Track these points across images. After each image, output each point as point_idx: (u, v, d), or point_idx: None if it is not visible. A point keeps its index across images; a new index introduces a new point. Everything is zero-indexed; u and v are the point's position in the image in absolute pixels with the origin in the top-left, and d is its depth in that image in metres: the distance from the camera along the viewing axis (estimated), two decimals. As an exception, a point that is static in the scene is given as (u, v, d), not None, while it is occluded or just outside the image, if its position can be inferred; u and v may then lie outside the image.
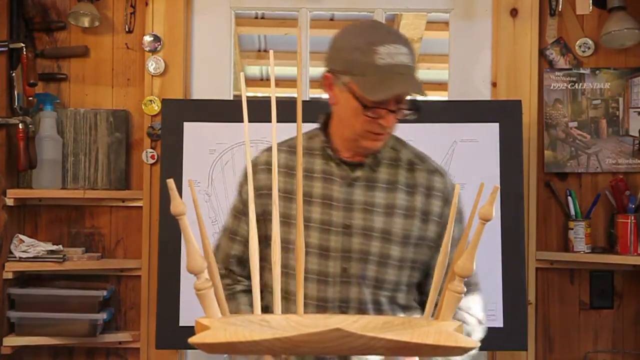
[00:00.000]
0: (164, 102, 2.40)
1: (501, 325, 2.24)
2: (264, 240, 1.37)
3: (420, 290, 1.54)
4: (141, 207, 2.45)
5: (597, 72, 2.49)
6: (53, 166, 2.41)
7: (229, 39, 2.58)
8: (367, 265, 1.46)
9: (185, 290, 2.27)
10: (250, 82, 5.25)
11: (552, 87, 2.49)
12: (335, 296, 1.46)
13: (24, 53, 2.32)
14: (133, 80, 2.52)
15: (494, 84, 2.52)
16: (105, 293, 2.38)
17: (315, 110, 2.32)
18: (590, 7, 2.36)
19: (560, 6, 2.49)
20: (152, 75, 2.48)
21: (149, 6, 2.48)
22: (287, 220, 1.47)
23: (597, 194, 2.45)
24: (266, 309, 1.50)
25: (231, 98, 2.57)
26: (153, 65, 2.47)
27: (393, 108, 1.40)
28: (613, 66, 2.49)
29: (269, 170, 1.52)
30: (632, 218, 2.34)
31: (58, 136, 2.44)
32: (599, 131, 2.48)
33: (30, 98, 2.38)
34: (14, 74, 2.38)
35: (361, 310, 1.45)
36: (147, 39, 2.47)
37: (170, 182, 0.88)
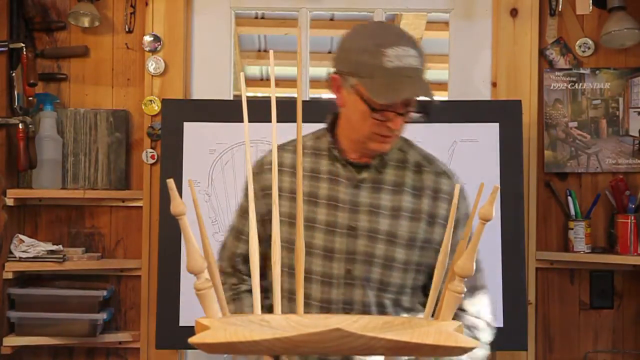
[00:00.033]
0: (164, 102, 2.40)
1: (501, 325, 2.23)
2: (270, 241, 1.36)
3: (425, 292, 1.54)
4: (141, 207, 2.45)
5: (597, 72, 2.49)
6: (53, 166, 2.41)
7: (229, 39, 2.58)
8: (372, 267, 1.45)
9: (185, 290, 2.27)
10: (250, 82, 5.25)
11: (552, 87, 2.49)
12: (339, 298, 1.45)
13: (24, 53, 2.32)
14: (133, 80, 2.52)
15: (494, 84, 2.52)
16: (105, 293, 2.38)
17: (315, 110, 2.32)
18: (590, 7, 2.36)
19: (560, 6, 2.49)
20: (152, 75, 2.48)
21: (149, 6, 2.48)
22: (293, 221, 1.47)
23: (597, 194, 2.45)
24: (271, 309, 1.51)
25: (231, 98, 2.57)
26: (153, 65, 2.47)
27: (401, 111, 1.39)
28: (613, 66, 2.49)
29: (277, 170, 1.51)
30: (632, 218, 2.34)
31: (58, 136, 2.44)
32: (599, 131, 2.48)
33: (30, 98, 2.38)
34: (14, 74, 2.38)
35: (365, 312, 1.45)
36: (147, 39, 2.47)
37: (170, 182, 0.88)
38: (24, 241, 2.36)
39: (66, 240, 2.48)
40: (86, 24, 2.47)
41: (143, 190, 2.46)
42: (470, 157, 2.32)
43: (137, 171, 2.50)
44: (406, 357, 1.32)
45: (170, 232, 2.26)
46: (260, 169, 1.55)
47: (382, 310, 1.47)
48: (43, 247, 2.35)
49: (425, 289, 1.53)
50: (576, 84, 2.49)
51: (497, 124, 2.34)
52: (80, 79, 2.52)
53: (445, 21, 2.90)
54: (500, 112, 2.35)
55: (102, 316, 2.36)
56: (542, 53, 2.50)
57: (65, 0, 2.51)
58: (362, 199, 1.47)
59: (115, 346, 2.46)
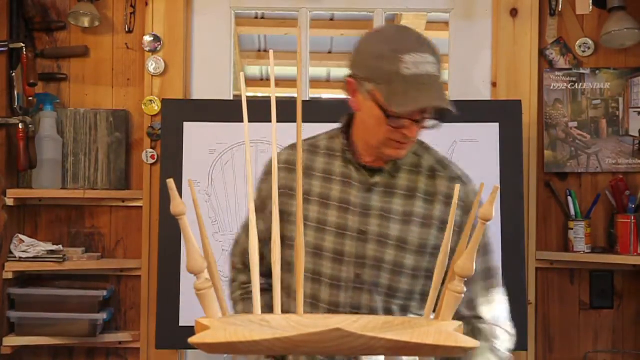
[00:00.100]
0: (164, 102, 2.40)
1: (501, 325, 2.23)
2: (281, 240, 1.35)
3: None
4: (141, 207, 2.45)
5: (597, 72, 2.49)
6: (53, 166, 2.41)
7: (229, 39, 2.58)
8: (380, 272, 1.43)
9: (185, 290, 2.28)
10: (250, 82, 5.25)
11: (552, 87, 2.49)
12: (347, 301, 1.44)
13: (24, 53, 2.32)
14: (133, 80, 2.52)
15: (494, 84, 2.52)
16: (105, 293, 2.38)
17: (315, 110, 2.33)
18: (590, 7, 2.36)
19: (560, 6, 2.49)
20: (152, 75, 2.48)
21: (149, 6, 2.48)
22: (304, 223, 1.46)
23: (597, 194, 2.45)
24: (287, 313, 1.50)
25: (231, 98, 2.57)
26: (153, 65, 2.47)
27: (417, 118, 1.36)
28: (613, 66, 2.49)
29: (288, 169, 1.50)
30: (632, 218, 2.35)
31: (58, 136, 2.44)
32: (599, 131, 2.48)
33: (30, 98, 2.38)
34: (14, 74, 2.38)
35: None
36: (147, 39, 2.47)
37: (170, 182, 0.88)
38: (24, 241, 2.36)
39: (66, 240, 2.48)
40: (86, 24, 2.47)
41: (143, 190, 2.46)
42: (470, 157, 2.32)
43: (137, 171, 2.50)
44: (406, 358, 1.32)
45: (170, 232, 2.26)
46: (272, 168, 1.53)
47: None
48: (43, 247, 2.35)
49: None
50: (576, 84, 2.49)
51: (497, 124, 2.34)
52: (80, 79, 2.52)
53: (445, 21, 2.90)
54: (500, 112, 2.36)
55: (102, 316, 2.36)
56: (542, 53, 2.50)
57: (65, 0, 2.51)
58: (373, 203, 1.45)
59: (115, 346, 2.46)
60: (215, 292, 0.92)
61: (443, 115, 1.39)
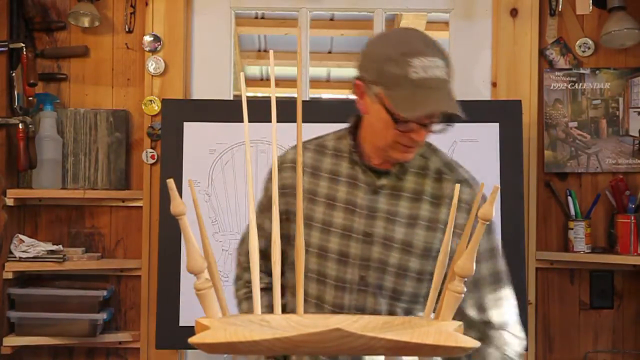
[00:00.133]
0: (164, 102, 2.40)
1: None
2: (285, 240, 1.35)
3: None
4: (141, 207, 2.46)
5: (597, 72, 2.49)
6: (53, 166, 2.41)
7: (229, 39, 2.59)
8: (385, 275, 1.43)
9: (185, 290, 2.28)
10: (250, 82, 5.26)
11: (552, 87, 2.49)
12: (352, 304, 1.44)
13: (24, 53, 2.32)
14: (133, 80, 2.52)
15: (494, 84, 2.52)
16: (105, 293, 2.38)
17: (315, 110, 2.33)
18: (590, 7, 2.36)
19: (560, 6, 2.49)
20: (152, 75, 2.48)
21: (149, 6, 2.48)
22: (308, 222, 1.46)
23: (597, 194, 2.45)
24: (286, 308, 1.50)
25: (231, 98, 2.57)
26: (153, 65, 2.47)
27: (425, 122, 1.36)
28: (613, 66, 2.49)
29: (294, 169, 1.50)
30: (632, 218, 2.35)
31: (58, 136, 2.44)
32: (599, 131, 2.48)
33: (30, 98, 2.38)
34: (14, 74, 2.38)
35: None
36: (147, 39, 2.47)
37: (170, 182, 0.88)
38: (24, 241, 2.36)
39: (66, 240, 2.48)
40: (86, 24, 2.47)
41: (143, 190, 2.46)
42: (470, 157, 2.31)
43: (137, 171, 2.50)
44: (406, 358, 1.32)
45: (170, 232, 2.26)
46: (280, 167, 1.52)
47: None
48: (43, 247, 2.35)
49: None
50: (576, 84, 2.49)
51: (497, 124, 2.34)
52: (80, 79, 2.52)
53: (445, 21, 2.90)
54: (500, 112, 2.36)
55: (102, 316, 2.36)
56: (542, 53, 2.50)
57: (65, 0, 2.51)
58: (379, 205, 1.44)
59: (115, 346, 2.46)
60: (215, 292, 0.92)
61: (451, 119, 1.37)
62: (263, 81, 5.31)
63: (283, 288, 1.53)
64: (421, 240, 1.43)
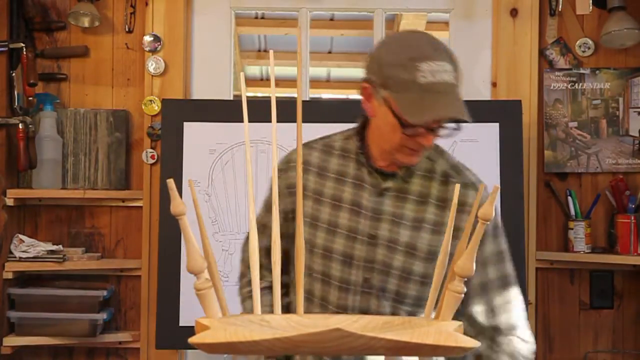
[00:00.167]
0: (164, 102, 2.40)
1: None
2: (292, 239, 1.34)
3: None
4: (141, 207, 2.45)
5: (597, 72, 2.49)
6: (53, 166, 2.41)
7: (229, 39, 2.59)
8: (389, 278, 1.42)
9: (185, 290, 2.28)
10: (250, 82, 5.26)
11: (552, 87, 2.49)
12: (355, 305, 1.44)
13: (24, 53, 2.32)
14: (133, 80, 2.52)
15: (494, 84, 2.52)
16: (105, 293, 2.38)
17: (315, 110, 2.33)
18: (590, 7, 2.36)
19: (560, 6, 2.49)
20: (152, 75, 2.48)
21: (149, 6, 2.48)
22: (314, 223, 1.45)
23: (597, 194, 2.45)
24: (290, 307, 1.50)
25: (231, 98, 2.57)
26: (153, 65, 2.47)
27: (433, 126, 1.35)
28: (613, 66, 2.49)
29: (303, 169, 1.49)
30: (632, 218, 2.35)
31: (58, 136, 2.44)
32: (599, 131, 2.48)
33: (30, 98, 2.38)
34: (14, 74, 2.38)
35: None
36: (147, 39, 2.47)
37: (170, 182, 0.88)
38: (24, 241, 2.36)
39: (66, 240, 2.48)
40: (86, 24, 2.47)
41: (143, 190, 2.46)
42: (470, 157, 2.31)
43: (137, 171, 2.50)
44: (406, 358, 1.32)
45: (170, 232, 2.26)
46: (287, 165, 1.52)
47: None
48: (43, 247, 2.35)
49: None
50: (576, 84, 2.49)
51: (497, 124, 2.34)
52: (80, 79, 2.52)
53: (445, 21, 2.90)
54: (500, 112, 2.35)
55: (102, 316, 2.36)
56: (542, 53, 2.50)
57: (65, 0, 2.51)
58: (385, 207, 1.43)
59: (115, 346, 2.46)
60: (215, 292, 0.92)
61: (459, 125, 1.36)
62: (263, 81, 5.31)
63: (288, 287, 1.53)
64: (426, 243, 1.42)
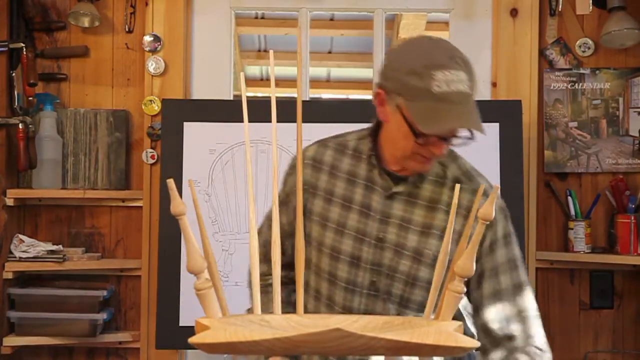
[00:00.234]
0: (164, 102, 2.40)
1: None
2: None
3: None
4: (141, 207, 2.45)
5: (597, 72, 2.49)
6: (53, 166, 2.41)
7: (229, 39, 2.59)
8: (394, 282, 1.42)
9: (185, 290, 2.28)
10: (250, 82, 5.26)
11: (552, 87, 2.49)
12: (361, 307, 1.43)
13: (24, 53, 2.32)
14: (133, 80, 2.52)
15: (494, 84, 2.52)
16: (105, 293, 2.38)
17: (315, 110, 2.33)
18: (590, 7, 2.36)
19: (560, 6, 2.49)
20: (152, 75, 2.48)
21: (149, 6, 2.48)
22: (324, 222, 1.45)
23: (597, 194, 2.45)
24: (304, 309, 1.49)
25: (231, 98, 2.57)
26: (153, 65, 2.47)
27: (445, 136, 1.34)
28: (613, 66, 2.49)
29: (314, 167, 1.49)
30: (632, 218, 2.34)
31: (58, 136, 2.44)
32: (599, 131, 2.48)
33: (30, 98, 2.38)
34: (14, 74, 2.38)
35: None
36: (147, 39, 2.47)
37: (170, 182, 0.88)
38: (24, 241, 2.36)
39: (66, 240, 2.48)
40: (86, 24, 2.47)
41: (143, 190, 2.46)
42: (470, 157, 2.31)
43: (137, 171, 2.50)
44: (406, 358, 1.32)
45: (170, 232, 2.26)
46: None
47: None
48: (43, 247, 2.35)
49: None
50: (576, 84, 2.49)
51: (497, 124, 2.34)
52: (80, 79, 2.52)
53: (445, 21, 2.90)
54: (500, 112, 2.35)
55: (102, 316, 2.36)
56: (542, 53, 2.50)
57: (65, 0, 2.51)
58: (394, 211, 1.43)
59: (115, 346, 2.46)
60: (215, 292, 0.92)
61: (472, 134, 1.34)
62: (263, 81, 5.31)
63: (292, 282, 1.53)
64: (433, 249, 1.40)
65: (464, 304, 1.53)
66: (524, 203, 2.35)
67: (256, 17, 4.07)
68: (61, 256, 2.33)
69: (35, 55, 2.43)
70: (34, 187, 2.41)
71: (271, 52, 1.07)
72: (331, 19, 4.08)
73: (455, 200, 1.00)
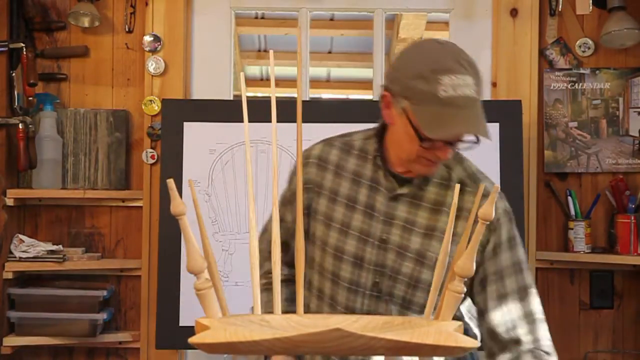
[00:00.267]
0: (164, 102, 2.40)
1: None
2: (305, 237, 1.34)
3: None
4: (141, 207, 2.46)
5: (597, 72, 2.49)
6: (53, 166, 2.41)
7: (229, 39, 2.59)
8: (396, 284, 1.42)
9: (185, 290, 2.28)
10: (250, 82, 5.26)
11: (552, 87, 2.49)
12: (364, 308, 1.43)
13: (24, 53, 2.32)
14: (133, 80, 2.52)
15: (494, 84, 2.52)
16: (105, 293, 2.38)
17: (315, 110, 2.33)
18: (590, 7, 2.36)
19: (560, 6, 2.49)
20: (152, 75, 2.48)
21: (149, 6, 2.48)
22: (328, 222, 1.45)
23: (597, 194, 2.45)
24: (307, 307, 1.49)
25: (231, 98, 2.57)
26: (153, 65, 2.47)
27: (451, 140, 1.34)
28: (613, 66, 2.49)
29: (319, 166, 1.49)
30: (632, 218, 2.35)
31: (58, 136, 2.44)
32: (599, 131, 2.48)
33: (30, 98, 2.38)
34: (14, 74, 2.38)
35: None
36: (147, 39, 2.47)
37: (170, 182, 0.88)
38: (24, 241, 2.36)
39: (66, 240, 2.48)
40: (86, 24, 2.47)
41: (143, 190, 2.46)
42: (470, 157, 2.31)
43: (137, 171, 2.50)
44: (406, 358, 1.32)
45: (170, 232, 2.26)
46: (305, 161, 1.50)
47: None
48: (43, 247, 2.35)
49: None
50: (576, 84, 2.49)
51: (497, 124, 2.34)
52: (80, 79, 2.52)
53: (445, 21, 2.90)
54: (500, 112, 2.35)
55: (102, 316, 2.36)
56: (542, 53, 2.50)
57: (65, 0, 2.51)
58: (398, 212, 1.43)
59: (115, 346, 2.46)
60: (215, 292, 0.92)
61: (477, 138, 1.34)
62: (263, 81, 5.31)
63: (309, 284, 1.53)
64: (436, 252, 1.40)
65: (468, 307, 1.53)
66: (524, 203, 2.35)
67: (256, 17, 4.07)
68: (61, 256, 2.33)
69: (35, 55, 2.43)
70: (34, 187, 2.41)
71: (271, 52, 1.07)
72: (331, 19, 4.08)
73: (455, 200, 1.00)
